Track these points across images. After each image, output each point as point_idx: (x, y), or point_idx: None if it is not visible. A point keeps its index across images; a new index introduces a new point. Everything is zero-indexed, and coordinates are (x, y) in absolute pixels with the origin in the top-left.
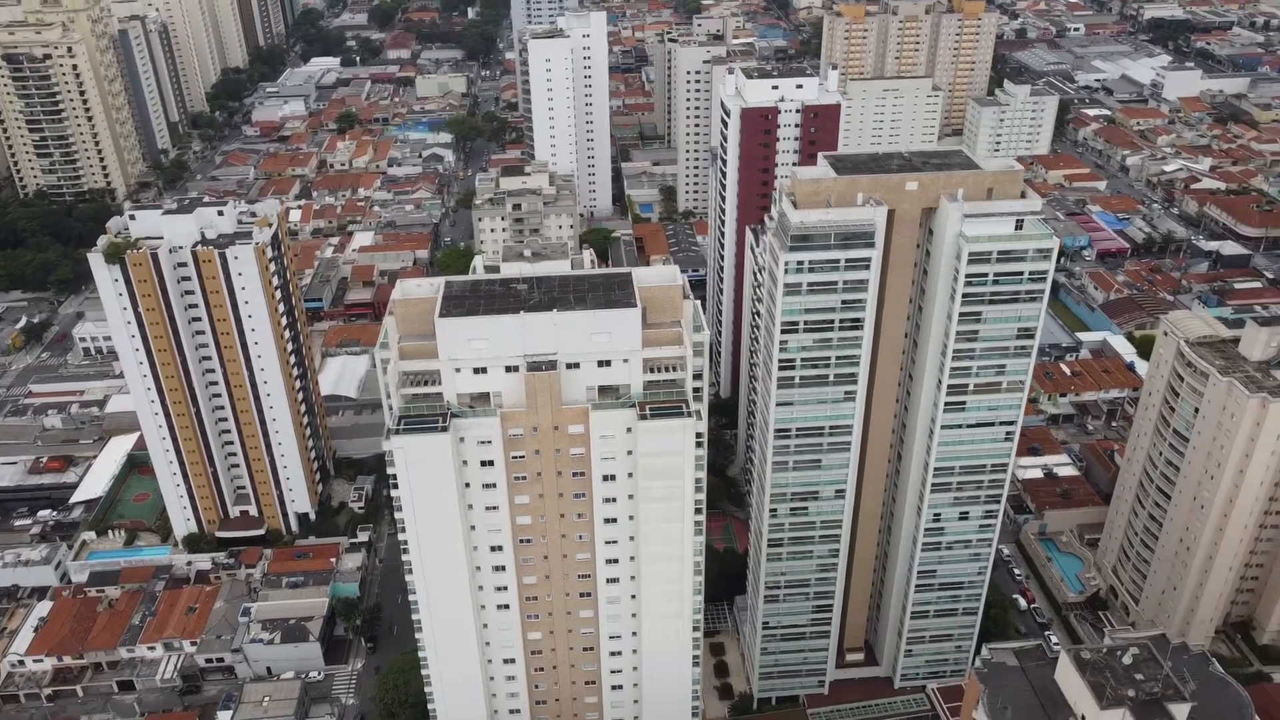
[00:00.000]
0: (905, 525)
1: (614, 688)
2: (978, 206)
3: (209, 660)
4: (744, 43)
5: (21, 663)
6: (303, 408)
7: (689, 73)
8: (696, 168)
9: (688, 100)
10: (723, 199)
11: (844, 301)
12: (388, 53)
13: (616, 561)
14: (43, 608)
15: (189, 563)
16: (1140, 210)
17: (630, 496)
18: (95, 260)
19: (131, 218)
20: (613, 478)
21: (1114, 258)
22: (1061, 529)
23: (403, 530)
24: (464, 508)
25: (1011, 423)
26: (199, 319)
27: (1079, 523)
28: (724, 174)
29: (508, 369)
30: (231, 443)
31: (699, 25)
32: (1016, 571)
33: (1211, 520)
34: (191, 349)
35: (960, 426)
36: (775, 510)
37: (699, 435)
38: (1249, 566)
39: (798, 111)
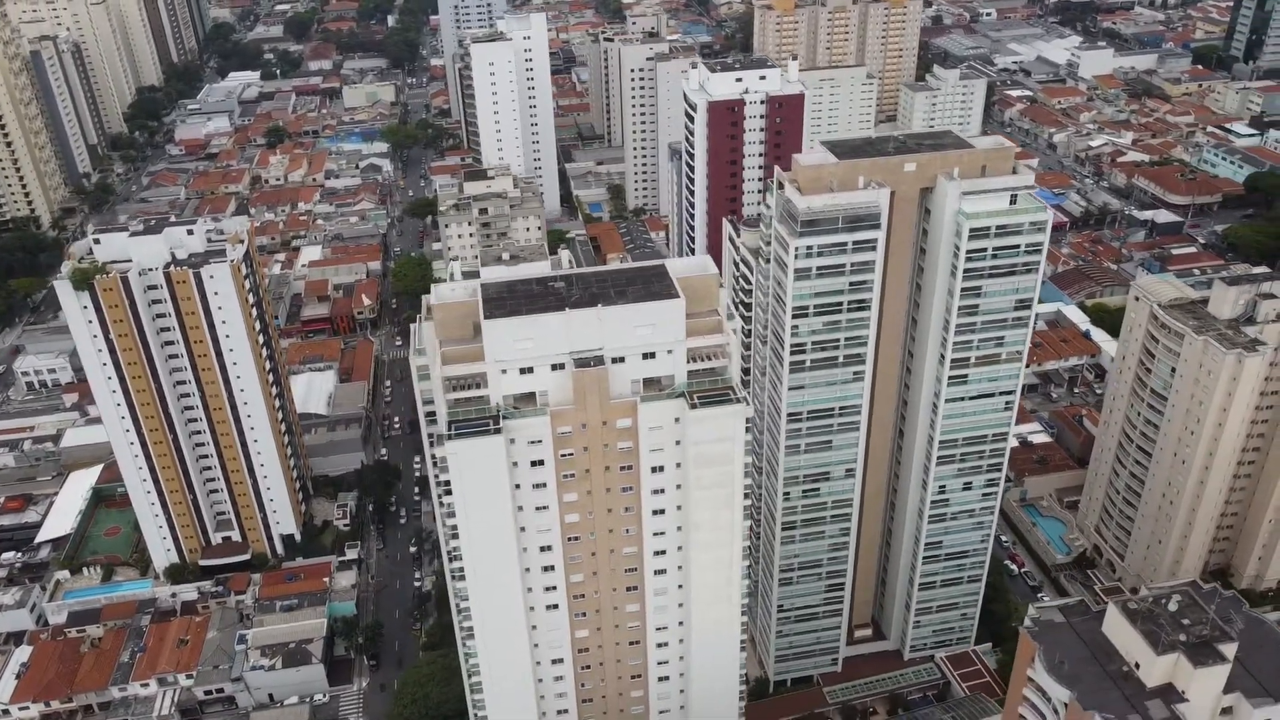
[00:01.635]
0: (910, 499)
1: (660, 679)
2: (975, 184)
3: (208, 692)
4: (675, 39)
5: (6, 712)
6: (283, 426)
7: (633, 71)
8: (645, 165)
9: (633, 98)
10: (690, 193)
11: (851, 283)
12: (308, 64)
13: (664, 553)
14: (22, 653)
15: (173, 594)
16: (1074, 185)
17: (678, 487)
18: (63, 288)
19: (96, 241)
20: (661, 469)
21: (1055, 231)
22: (1041, 494)
23: (454, 536)
24: (515, 509)
25: (1010, 392)
26: (173, 342)
27: (1057, 487)
28: (690, 168)
29: (553, 367)
30: (211, 467)
31: (634, 24)
32: (1003, 538)
33: (1193, 474)
34: (166, 373)
35: (963, 399)
36: (788, 493)
37: (748, 420)
38: (1224, 516)
39: (762, 103)
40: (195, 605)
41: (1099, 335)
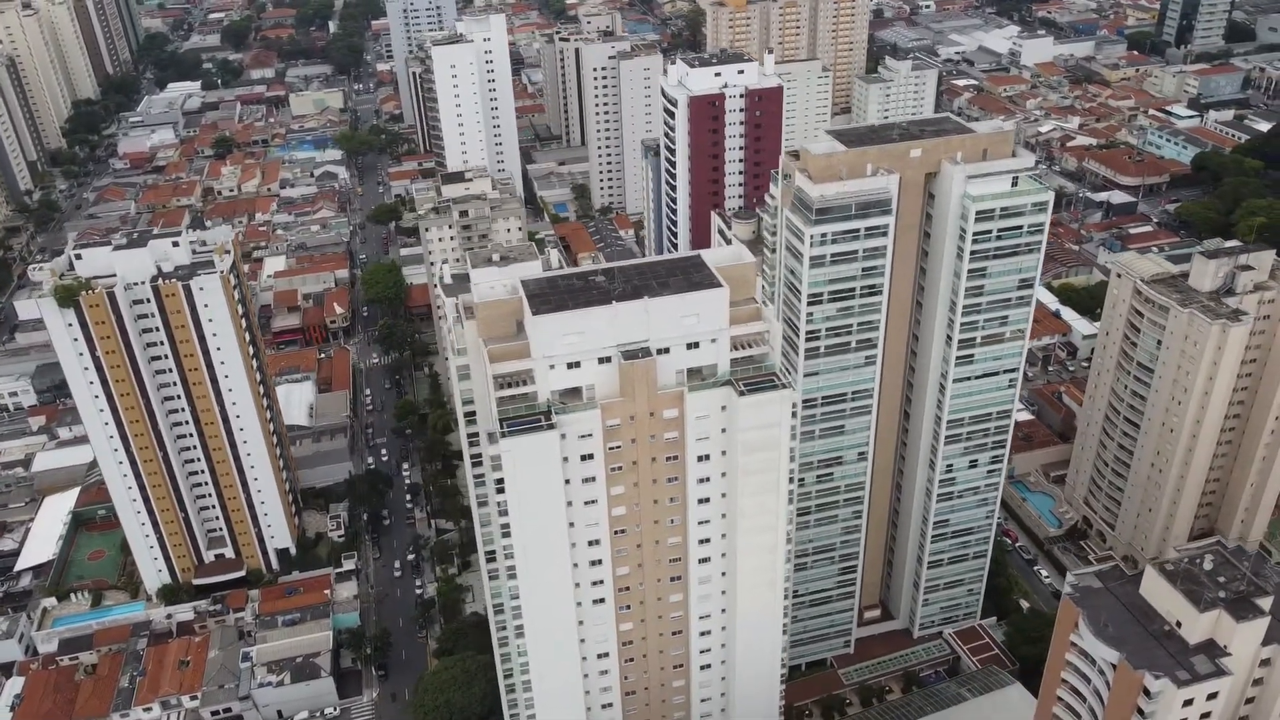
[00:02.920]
0: (918, 479)
1: (703, 668)
2: (979, 167)
3: (214, 712)
4: (626, 38)
5: None
6: (275, 438)
7: (595, 70)
8: (610, 163)
9: (596, 97)
10: (672, 189)
11: (864, 269)
12: (250, 73)
13: (708, 541)
14: (14, 684)
15: (169, 615)
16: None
17: (723, 474)
18: (46, 306)
19: (77, 256)
20: (707, 457)
21: None
22: (1029, 470)
23: (506, 534)
24: (566, 504)
25: (1014, 370)
26: (161, 356)
27: (1043, 462)
28: (672, 164)
29: (600, 360)
30: (203, 484)
31: (589, 23)
32: None
33: (1182, 442)
34: (154, 389)
35: (969, 379)
36: (803, 479)
37: (794, 406)
38: (1209, 481)
39: (742, 96)
40: (192, 625)
41: (1068, 314)
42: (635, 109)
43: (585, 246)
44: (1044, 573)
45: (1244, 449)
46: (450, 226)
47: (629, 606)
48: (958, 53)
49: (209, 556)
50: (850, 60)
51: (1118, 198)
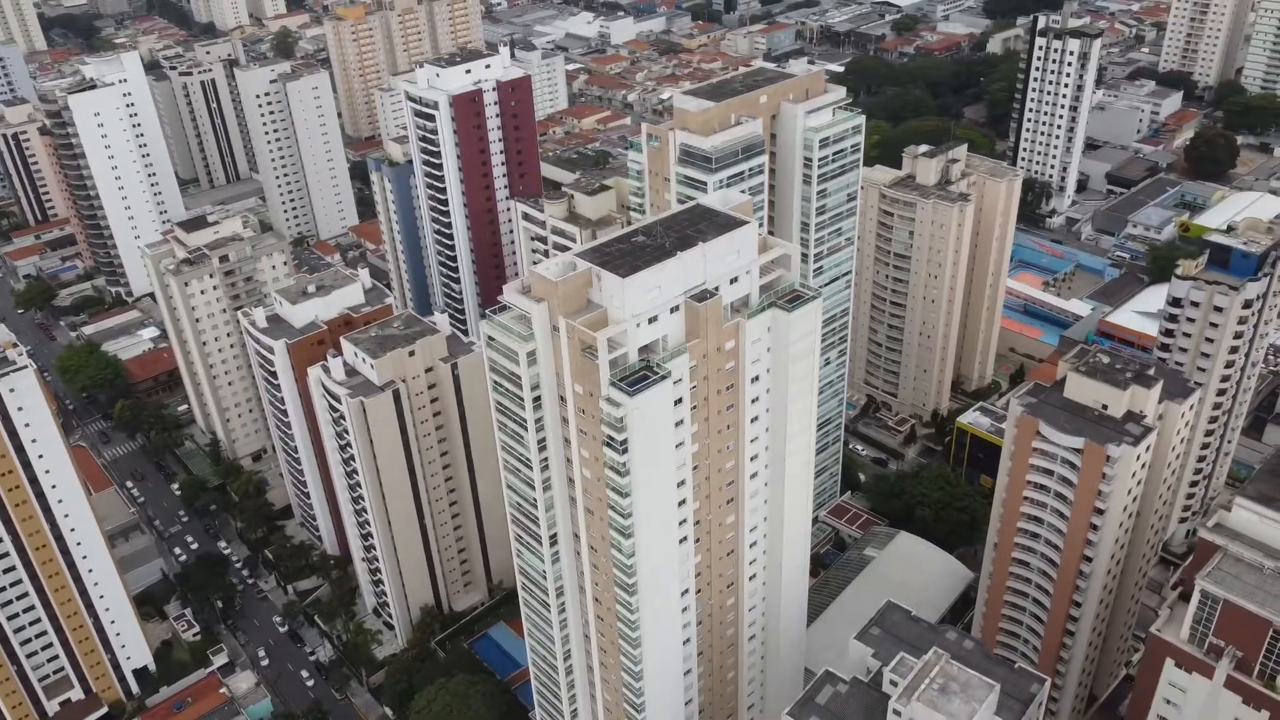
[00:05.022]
0: None
1: (750, 579)
2: (810, 104)
3: None
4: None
5: None
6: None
7: (259, 96)
8: (292, 191)
9: (264, 123)
10: (438, 192)
11: (755, 206)
12: None
13: (757, 458)
14: None
15: None
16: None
17: (768, 391)
18: None
19: None
20: (757, 379)
21: None
22: None
23: (625, 495)
24: (675, 451)
25: (849, 273)
26: None
27: None
28: (435, 168)
29: (671, 311)
30: (36, 620)
31: (208, 52)
32: None
33: (942, 309)
34: None
35: (821, 287)
36: None
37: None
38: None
39: (494, 90)
40: None
41: None
42: (310, 129)
43: None
44: (860, 448)
45: (972, 307)
46: (212, 275)
47: (699, 539)
48: (550, 41)
49: (52, 708)
50: None
51: None
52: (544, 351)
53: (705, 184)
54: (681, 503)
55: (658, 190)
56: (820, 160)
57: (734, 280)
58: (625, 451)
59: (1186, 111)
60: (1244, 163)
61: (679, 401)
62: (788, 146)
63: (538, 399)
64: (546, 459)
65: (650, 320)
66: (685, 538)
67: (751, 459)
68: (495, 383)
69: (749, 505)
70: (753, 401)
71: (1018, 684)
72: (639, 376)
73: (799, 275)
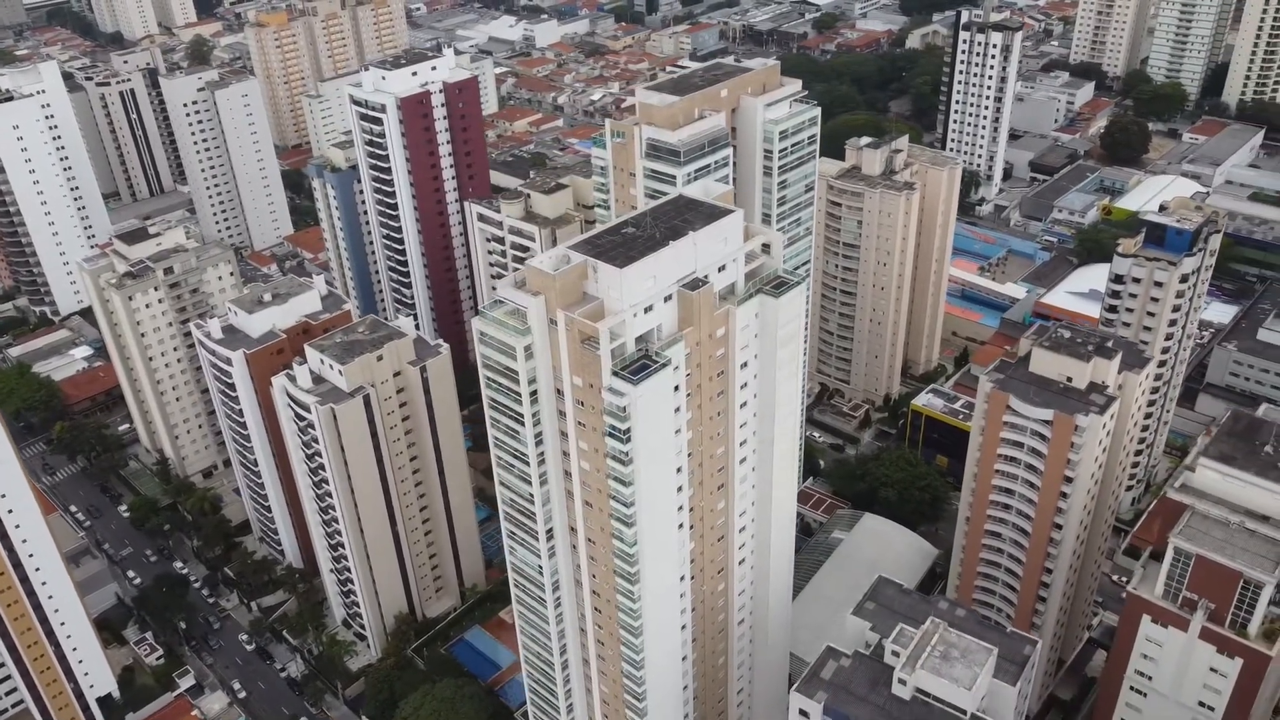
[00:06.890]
0: None
1: (740, 563)
2: (769, 97)
3: None
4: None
5: None
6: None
7: (186, 105)
8: (223, 201)
9: (193, 133)
10: (387, 198)
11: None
12: None
13: (745, 442)
14: None
15: None
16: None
17: (755, 376)
18: None
19: None
20: (746, 365)
21: None
22: None
23: (628, 484)
24: (675, 438)
25: (808, 262)
26: None
27: None
28: (383, 172)
29: (665, 299)
30: None
31: (125, 61)
32: None
33: (892, 295)
34: None
35: None
36: None
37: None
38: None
39: (441, 91)
40: None
41: None
42: (241, 138)
43: None
44: (818, 435)
45: (918, 292)
46: (157, 289)
47: (694, 525)
48: (473, 45)
49: None
50: None
51: None
52: (540, 345)
53: (674, 177)
54: (679, 490)
55: (623, 185)
56: (780, 152)
57: (721, 268)
58: (628, 441)
59: (1099, 100)
60: (1155, 148)
61: (677, 389)
62: (748, 139)
63: (534, 393)
64: (543, 453)
65: (646, 310)
66: (682, 524)
67: (741, 443)
68: (489, 379)
69: (738, 490)
70: (742, 387)
71: (1012, 647)
72: (640, 365)
73: (781, 261)
